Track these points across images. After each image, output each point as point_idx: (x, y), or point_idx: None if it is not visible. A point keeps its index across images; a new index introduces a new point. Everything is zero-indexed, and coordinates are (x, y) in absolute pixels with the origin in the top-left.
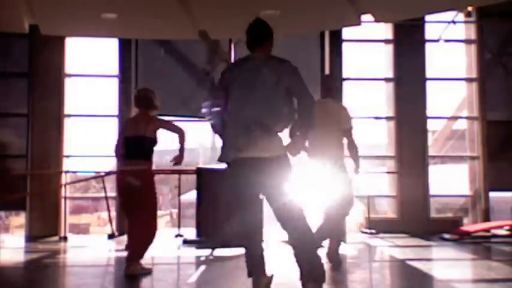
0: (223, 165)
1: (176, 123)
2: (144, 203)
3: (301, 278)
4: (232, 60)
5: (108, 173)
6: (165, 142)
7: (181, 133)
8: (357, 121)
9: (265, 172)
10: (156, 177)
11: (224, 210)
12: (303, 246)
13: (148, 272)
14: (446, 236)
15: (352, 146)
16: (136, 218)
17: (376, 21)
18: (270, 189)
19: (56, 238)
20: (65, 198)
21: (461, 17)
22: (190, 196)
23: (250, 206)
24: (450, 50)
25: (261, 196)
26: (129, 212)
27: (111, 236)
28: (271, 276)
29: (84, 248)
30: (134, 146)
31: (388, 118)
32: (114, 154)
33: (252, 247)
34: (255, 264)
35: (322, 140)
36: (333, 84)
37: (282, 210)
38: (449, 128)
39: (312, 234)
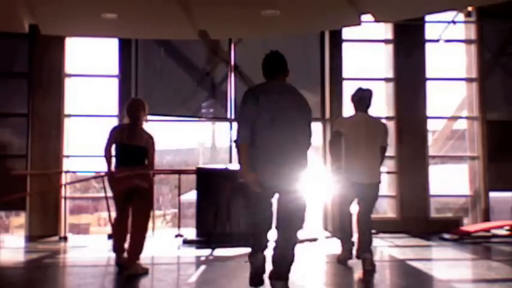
0: (224, 164)
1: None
2: (146, 205)
3: (270, 275)
4: (232, 60)
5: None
6: (165, 142)
7: (150, 167)
8: None
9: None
10: (156, 177)
11: (224, 210)
12: (284, 247)
13: (146, 271)
14: (446, 236)
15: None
16: (138, 220)
17: (376, 21)
18: (285, 185)
19: (56, 238)
20: (65, 198)
21: (461, 17)
22: (190, 196)
23: (266, 203)
24: (450, 50)
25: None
26: (126, 215)
27: (111, 236)
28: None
29: (84, 248)
30: (134, 154)
31: (388, 118)
32: (104, 155)
33: (260, 245)
34: (259, 265)
35: (365, 157)
36: (371, 100)
37: (285, 209)
38: (449, 128)
39: (295, 241)
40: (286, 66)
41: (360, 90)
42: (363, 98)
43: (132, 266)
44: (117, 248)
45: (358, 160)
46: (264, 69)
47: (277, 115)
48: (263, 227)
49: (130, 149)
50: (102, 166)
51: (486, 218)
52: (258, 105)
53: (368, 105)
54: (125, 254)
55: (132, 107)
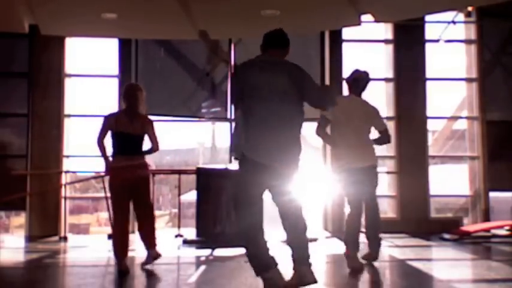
0: (224, 164)
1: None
2: (149, 193)
3: (293, 261)
4: (232, 60)
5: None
6: (165, 142)
7: (155, 148)
8: None
9: (276, 173)
10: (156, 177)
11: (224, 210)
12: (297, 236)
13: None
14: (446, 236)
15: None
16: (146, 208)
17: (376, 21)
18: (276, 187)
19: (56, 238)
20: (65, 198)
21: (461, 17)
22: (190, 196)
23: (255, 203)
24: (450, 50)
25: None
26: (127, 212)
27: (110, 236)
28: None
29: (84, 248)
30: (131, 143)
31: (388, 118)
32: (97, 145)
33: (256, 245)
34: (264, 263)
35: (356, 141)
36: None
37: (285, 206)
38: (449, 128)
39: (305, 229)
40: (285, 42)
41: (356, 72)
42: (357, 80)
43: (155, 252)
44: (120, 254)
45: (350, 144)
46: (263, 42)
47: (263, 90)
48: (253, 233)
49: (126, 138)
50: (101, 166)
51: (486, 218)
52: (240, 83)
53: (362, 88)
54: (145, 251)
55: (129, 91)
